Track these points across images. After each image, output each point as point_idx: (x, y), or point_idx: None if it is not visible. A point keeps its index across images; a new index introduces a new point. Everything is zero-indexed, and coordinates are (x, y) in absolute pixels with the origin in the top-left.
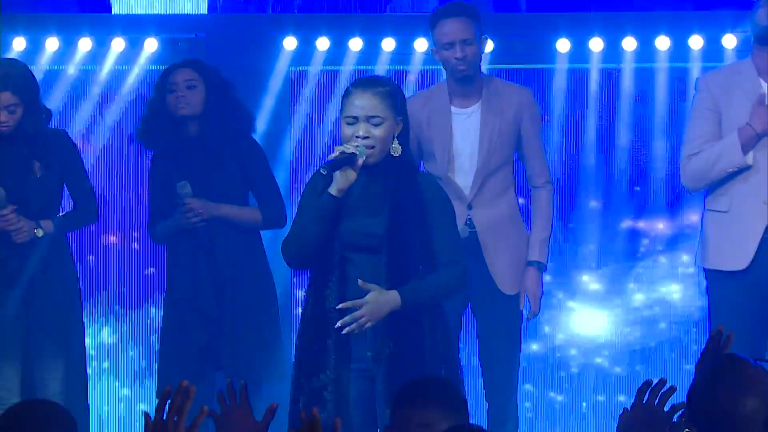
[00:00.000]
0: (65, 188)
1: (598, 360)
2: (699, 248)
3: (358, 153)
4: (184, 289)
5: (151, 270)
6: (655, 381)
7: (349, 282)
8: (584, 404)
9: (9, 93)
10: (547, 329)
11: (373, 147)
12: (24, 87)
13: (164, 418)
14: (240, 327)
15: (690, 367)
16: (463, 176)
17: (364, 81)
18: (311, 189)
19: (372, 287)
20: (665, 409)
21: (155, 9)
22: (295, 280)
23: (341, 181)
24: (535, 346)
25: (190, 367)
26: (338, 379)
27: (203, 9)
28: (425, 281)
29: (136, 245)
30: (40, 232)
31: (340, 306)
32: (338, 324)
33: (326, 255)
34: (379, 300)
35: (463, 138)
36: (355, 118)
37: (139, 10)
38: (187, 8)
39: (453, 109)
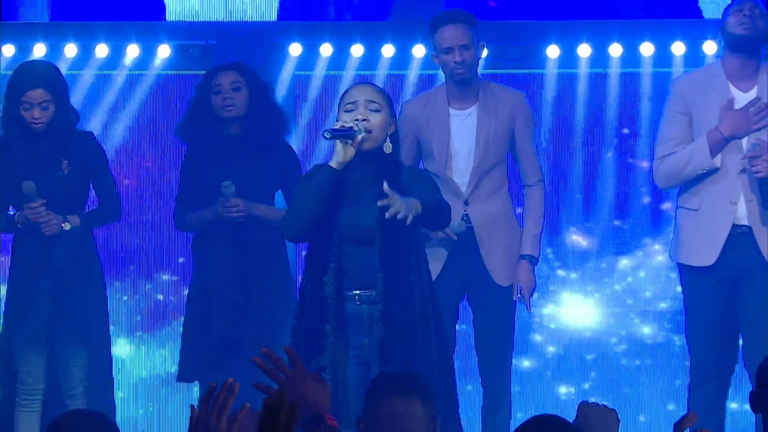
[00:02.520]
0: (91, 187)
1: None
2: (672, 243)
3: (356, 129)
4: (213, 278)
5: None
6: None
7: (345, 271)
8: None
9: (42, 90)
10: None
11: (369, 132)
12: (56, 85)
13: (209, 411)
14: (264, 317)
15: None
16: (460, 174)
17: (362, 81)
18: (310, 173)
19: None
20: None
21: (215, 12)
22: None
23: (341, 153)
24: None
25: (211, 354)
26: (335, 363)
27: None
28: (426, 200)
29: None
30: (67, 226)
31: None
32: (386, 213)
33: (325, 244)
34: (402, 200)
35: (461, 138)
36: (354, 103)
37: (196, 9)
38: (249, 10)
39: (451, 110)
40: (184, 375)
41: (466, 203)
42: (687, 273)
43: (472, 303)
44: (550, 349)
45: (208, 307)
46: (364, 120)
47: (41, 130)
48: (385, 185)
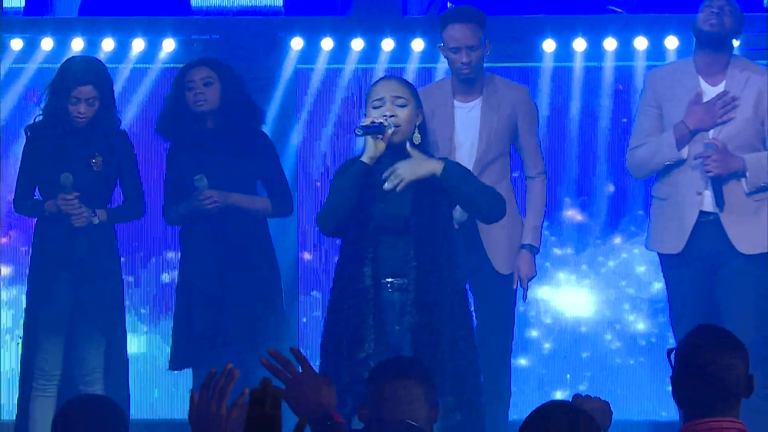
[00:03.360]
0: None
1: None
2: (647, 233)
3: (386, 124)
4: (192, 272)
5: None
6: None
7: (381, 261)
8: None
9: (92, 87)
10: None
11: (398, 126)
12: (104, 82)
13: (209, 397)
14: (242, 309)
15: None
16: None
17: (387, 76)
18: (342, 169)
19: (412, 153)
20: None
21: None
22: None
23: (371, 148)
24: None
25: (196, 345)
26: (378, 352)
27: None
28: (473, 175)
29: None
30: (96, 220)
31: (385, 175)
32: (386, 186)
33: (363, 236)
34: (413, 162)
35: (465, 130)
36: (381, 99)
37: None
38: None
39: (456, 103)
40: (174, 363)
41: None
42: (663, 261)
43: (474, 291)
44: (546, 346)
45: (190, 299)
46: (393, 116)
47: (81, 125)
48: (408, 145)
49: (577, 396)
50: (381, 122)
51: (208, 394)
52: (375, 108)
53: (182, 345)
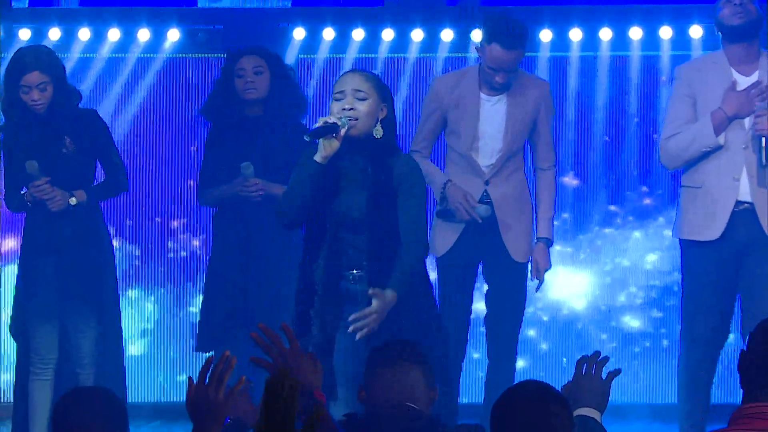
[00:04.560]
0: (98, 164)
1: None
2: (676, 221)
3: (339, 123)
4: (223, 256)
5: None
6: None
7: (342, 253)
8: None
9: (38, 72)
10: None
11: (356, 120)
12: (51, 66)
13: (206, 383)
14: (272, 293)
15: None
16: (485, 156)
17: (352, 69)
18: (303, 160)
19: (376, 293)
20: (602, 377)
21: None
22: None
23: (325, 148)
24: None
25: (221, 328)
26: (321, 340)
27: None
28: (402, 268)
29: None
30: (73, 201)
31: (351, 318)
32: (350, 329)
33: (318, 232)
34: (382, 307)
35: (490, 123)
36: (342, 92)
37: None
38: None
39: (482, 95)
40: (200, 346)
41: (486, 183)
42: (690, 248)
43: (487, 276)
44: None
45: (220, 282)
46: (351, 109)
47: (42, 112)
48: (370, 291)
49: (580, 372)
50: (334, 122)
51: (205, 381)
52: (337, 101)
53: (210, 327)
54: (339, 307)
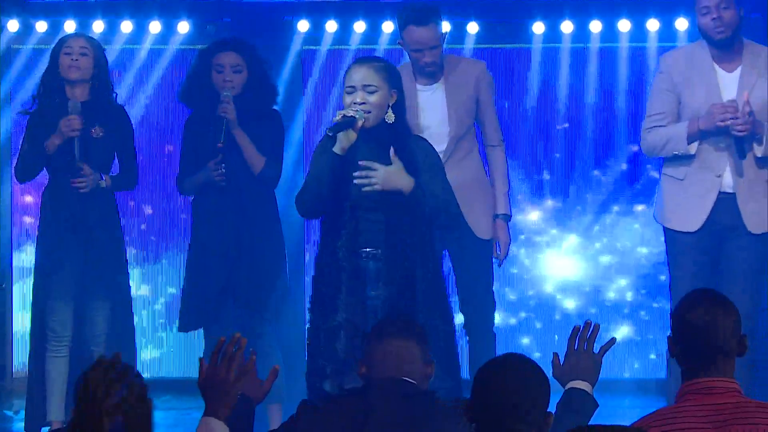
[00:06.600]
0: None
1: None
2: (656, 206)
3: (356, 116)
4: (204, 238)
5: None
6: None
7: (356, 236)
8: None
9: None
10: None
11: (369, 112)
12: (97, 57)
13: (218, 364)
14: (255, 270)
15: (657, 304)
16: (434, 144)
17: (361, 58)
18: (320, 150)
19: (395, 160)
20: (594, 350)
21: None
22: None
23: (343, 140)
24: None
25: (209, 305)
26: (351, 320)
27: None
28: (434, 192)
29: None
30: (103, 183)
31: (361, 163)
32: (356, 181)
33: (339, 211)
34: (390, 172)
35: (431, 111)
36: (353, 87)
37: None
38: None
39: (417, 86)
40: (184, 325)
41: None
42: (672, 235)
43: (454, 258)
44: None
45: (205, 261)
46: (363, 103)
47: (83, 100)
48: (392, 152)
49: (572, 346)
50: (351, 115)
51: (217, 361)
52: (348, 94)
53: (192, 308)
54: (361, 287)
